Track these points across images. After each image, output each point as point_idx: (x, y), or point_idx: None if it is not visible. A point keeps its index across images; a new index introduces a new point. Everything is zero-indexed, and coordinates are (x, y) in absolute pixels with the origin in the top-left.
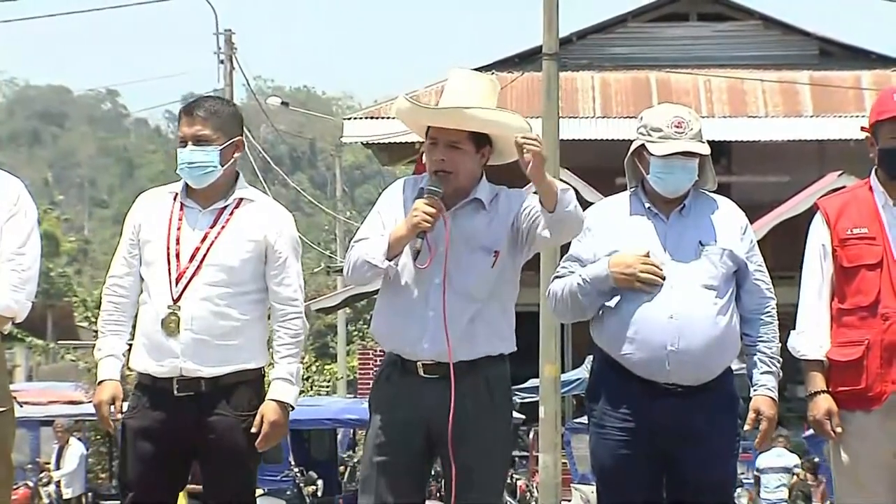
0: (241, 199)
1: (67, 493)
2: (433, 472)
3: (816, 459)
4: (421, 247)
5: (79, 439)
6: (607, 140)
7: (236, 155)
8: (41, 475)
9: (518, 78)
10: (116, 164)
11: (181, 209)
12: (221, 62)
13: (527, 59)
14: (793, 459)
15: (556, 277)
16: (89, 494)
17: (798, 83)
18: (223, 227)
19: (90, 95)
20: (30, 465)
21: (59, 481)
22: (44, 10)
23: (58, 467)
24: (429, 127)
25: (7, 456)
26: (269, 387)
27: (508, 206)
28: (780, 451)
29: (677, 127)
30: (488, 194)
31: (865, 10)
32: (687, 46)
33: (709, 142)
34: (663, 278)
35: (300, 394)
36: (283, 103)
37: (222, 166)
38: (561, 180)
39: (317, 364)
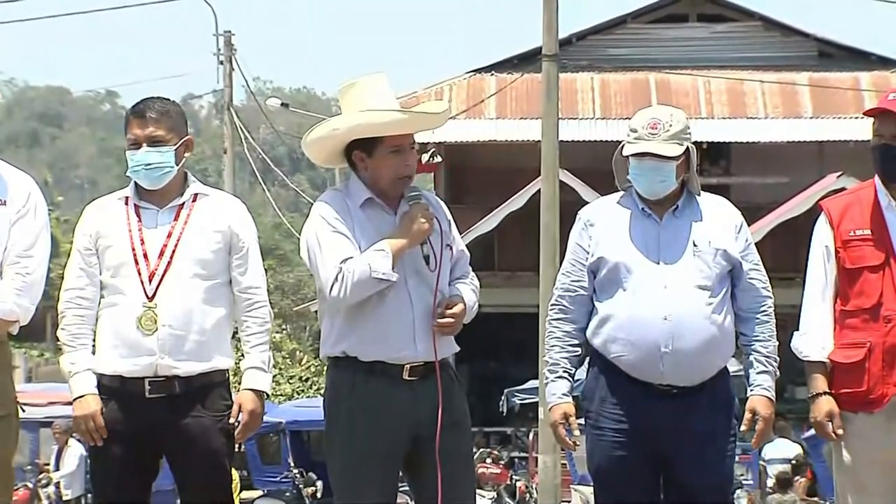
0: (197, 194)
1: (67, 495)
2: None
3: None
4: (428, 251)
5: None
6: (607, 141)
7: (187, 154)
8: (40, 476)
9: (518, 79)
10: (116, 165)
11: (136, 211)
12: (221, 63)
13: (526, 61)
14: (795, 449)
15: (563, 275)
16: (89, 496)
17: (797, 84)
18: (186, 222)
19: (89, 96)
20: (29, 467)
21: (58, 482)
22: (44, 10)
23: (57, 468)
24: (375, 138)
25: (8, 462)
26: (236, 384)
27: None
28: (782, 441)
29: (652, 128)
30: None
31: (865, 11)
32: (686, 48)
33: (708, 143)
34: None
35: (299, 395)
36: (282, 104)
37: (177, 165)
38: (561, 181)
39: (317, 365)
